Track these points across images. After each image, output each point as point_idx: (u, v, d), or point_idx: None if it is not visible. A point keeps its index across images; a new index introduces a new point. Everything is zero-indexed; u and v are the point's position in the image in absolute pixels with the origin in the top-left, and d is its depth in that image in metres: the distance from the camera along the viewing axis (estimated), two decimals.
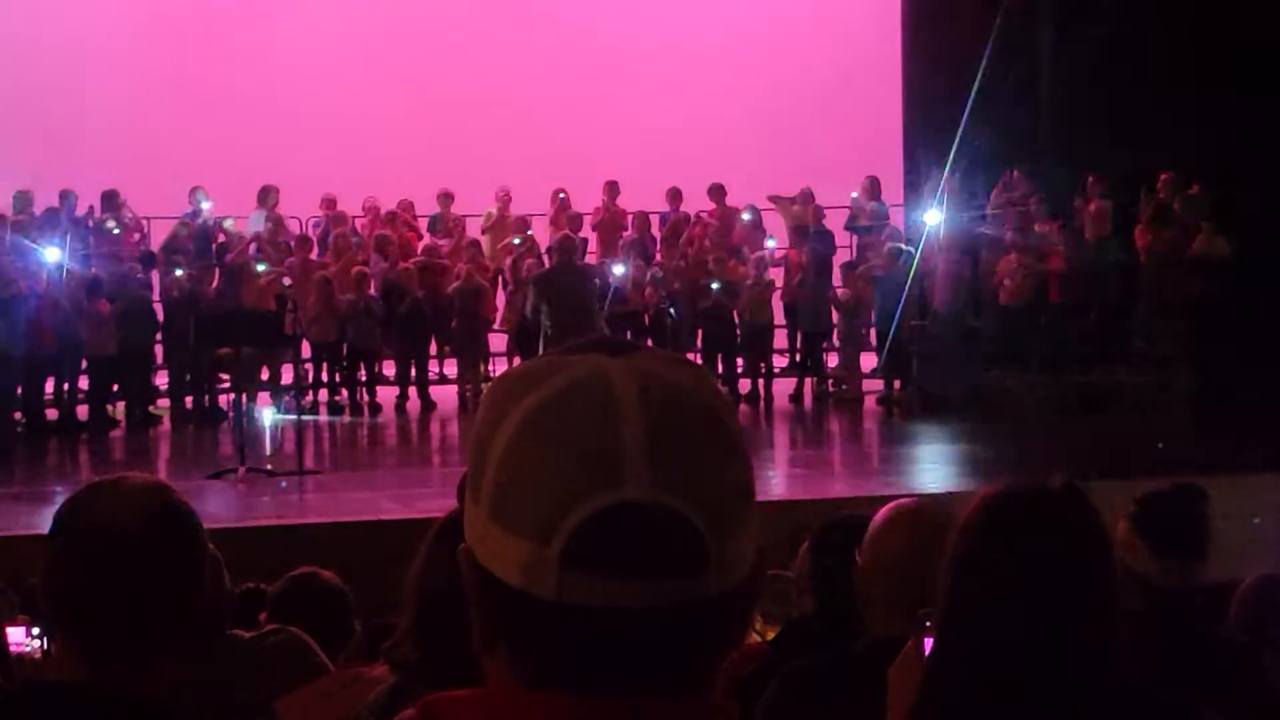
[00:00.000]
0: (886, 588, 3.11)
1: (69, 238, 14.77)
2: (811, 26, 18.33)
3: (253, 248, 15.49)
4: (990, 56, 15.91)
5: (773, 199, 16.71)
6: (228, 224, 15.76)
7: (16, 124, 16.03)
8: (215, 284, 14.96)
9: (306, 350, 15.06)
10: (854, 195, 16.80)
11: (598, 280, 14.49)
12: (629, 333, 14.43)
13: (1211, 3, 15.45)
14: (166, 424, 14.81)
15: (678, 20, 18.37)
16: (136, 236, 15.73)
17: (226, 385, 15.03)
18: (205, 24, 17.74)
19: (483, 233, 16.61)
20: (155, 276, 15.07)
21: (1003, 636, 2.22)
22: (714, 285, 15.39)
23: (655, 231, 16.73)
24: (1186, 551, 4.33)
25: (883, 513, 3.22)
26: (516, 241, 16.08)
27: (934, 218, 15.82)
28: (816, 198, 16.56)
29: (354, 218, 16.51)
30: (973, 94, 15.62)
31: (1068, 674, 2.21)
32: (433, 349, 15.89)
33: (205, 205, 15.67)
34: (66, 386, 14.42)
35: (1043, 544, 2.26)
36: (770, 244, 16.22)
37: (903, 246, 15.59)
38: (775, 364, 15.95)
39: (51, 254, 14.28)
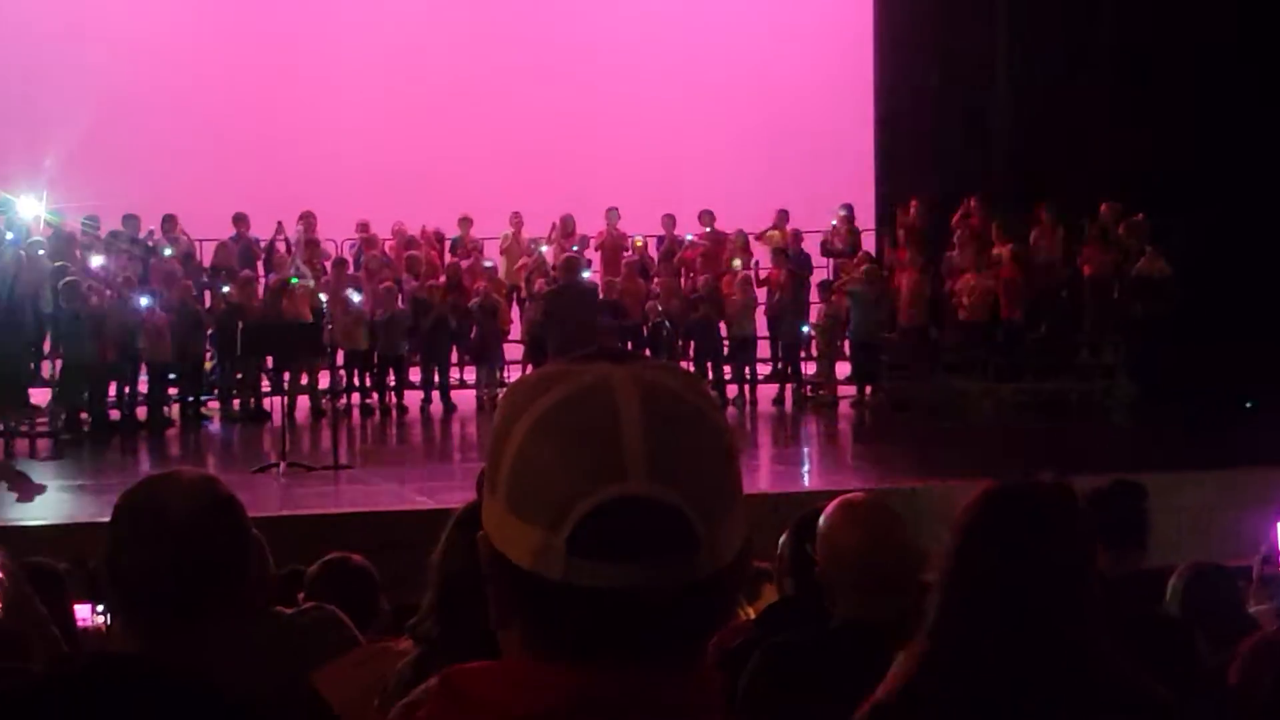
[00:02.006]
0: (845, 577, 3.11)
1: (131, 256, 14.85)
2: (792, 69, 18.31)
3: (292, 268, 15.54)
4: (948, 92, 16.00)
5: (760, 238, 16.67)
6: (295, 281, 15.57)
7: (85, 152, 16.05)
8: (260, 298, 14.98)
9: (340, 358, 15.12)
10: (833, 223, 16.85)
11: (600, 295, 14.51)
12: (629, 343, 14.44)
13: (1152, 47, 15.47)
14: (216, 424, 14.81)
15: (671, 64, 18.37)
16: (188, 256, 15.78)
17: (269, 389, 15.09)
18: (255, 72, 17.76)
19: (500, 253, 16.65)
20: (206, 294, 15.12)
21: (1001, 611, 2.23)
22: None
23: (652, 253, 16.75)
24: (1129, 542, 4.34)
25: (831, 507, 3.21)
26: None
27: (894, 241, 15.91)
28: (792, 220, 16.66)
29: (384, 240, 16.55)
30: (932, 128, 15.71)
31: (1060, 638, 2.22)
32: (454, 357, 15.91)
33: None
34: (127, 390, 14.44)
35: (1037, 532, 2.26)
36: (735, 264, 16.16)
37: (874, 267, 15.67)
38: (759, 372, 15.95)
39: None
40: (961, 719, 2.20)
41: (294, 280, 15.25)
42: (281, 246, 16.09)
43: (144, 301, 14.21)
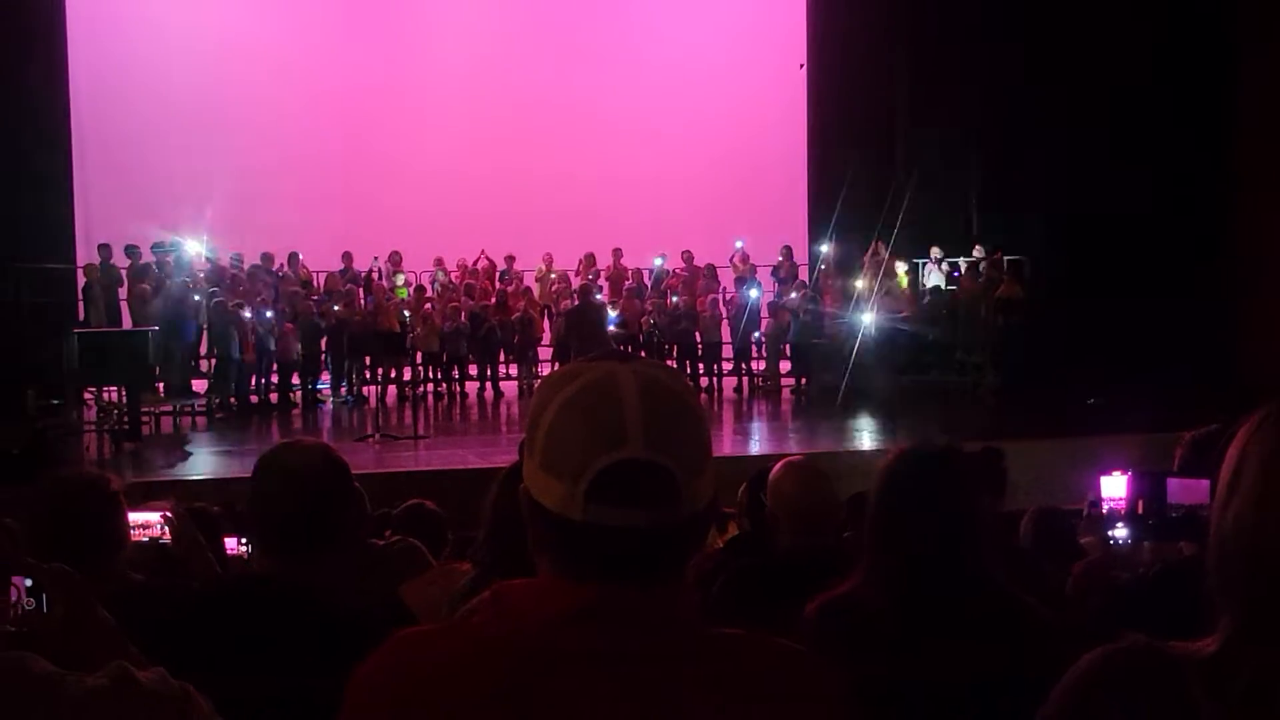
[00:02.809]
0: (787, 517, 3.11)
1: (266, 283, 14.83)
2: (751, 150, 18.34)
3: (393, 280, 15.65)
4: (861, 163, 16.00)
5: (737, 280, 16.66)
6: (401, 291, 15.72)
7: (234, 206, 16.02)
8: (360, 314, 14.98)
9: (419, 357, 15.09)
10: (779, 259, 16.85)
11: (609, 313, 14.46)
12: (629, 347, 14.41)
13: (1008, 136, 15.47)
14: (329, 405, 14.80)
15: (665, 145, 18.37)
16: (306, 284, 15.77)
17: (368, 380, 15.07)
18: (359, 151, 17.75)
19: (535, 281, 16.65)
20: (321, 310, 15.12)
21: (913, 538, 2.22)
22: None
23: (646, 281, 16.75)
24: (993, 491, 4.30)
25: (777, 467, 3.20)
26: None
27: (824, 273, 15.89)
28: (751, 258, 16.65)
29: (450, 272, 16.57)
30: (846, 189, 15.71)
31: (959, 561, 2.21)
32: (501, 357, 15.91)
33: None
34: (263, 381, 14.42)
35: (936, 481, 2.26)
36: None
37: (808, 291, 15.67)
38: (723, 368, 15.94)
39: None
40: (885, 619, 2.20)
41: (401, 292, 15.40)
42: (376, 276, 16.11)
43: (268, 315, 14.23)
